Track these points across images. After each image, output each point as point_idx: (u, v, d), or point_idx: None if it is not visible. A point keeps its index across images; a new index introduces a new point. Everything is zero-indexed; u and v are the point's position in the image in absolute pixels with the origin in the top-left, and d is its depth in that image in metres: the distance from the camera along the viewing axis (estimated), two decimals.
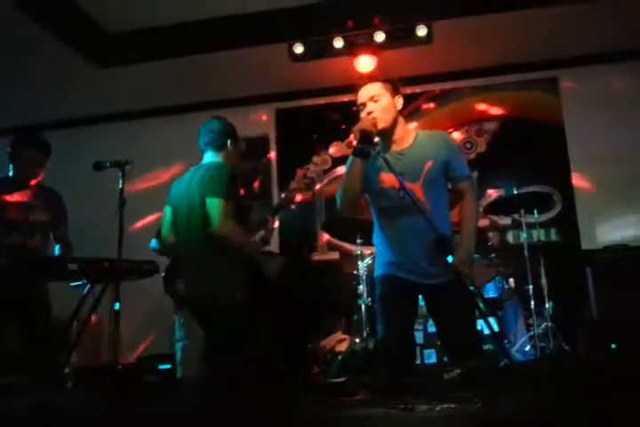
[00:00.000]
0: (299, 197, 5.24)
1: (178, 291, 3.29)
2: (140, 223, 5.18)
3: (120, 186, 2.90)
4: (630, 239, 4.18)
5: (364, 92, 2.39)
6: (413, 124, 5.17)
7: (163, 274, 3.45)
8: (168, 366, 4.08)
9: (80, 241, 3.45)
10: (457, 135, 5.16)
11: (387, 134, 2.38)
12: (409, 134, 2.43)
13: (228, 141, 2.80)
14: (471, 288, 2.18)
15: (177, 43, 4.44)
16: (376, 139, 2.30)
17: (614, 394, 1.62)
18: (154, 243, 3.45)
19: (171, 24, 4.31)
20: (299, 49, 4.42)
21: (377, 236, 2.48)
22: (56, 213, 3.34)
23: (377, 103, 2.34)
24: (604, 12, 4.26)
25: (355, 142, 2.26)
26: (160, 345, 4.45)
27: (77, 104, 5.33)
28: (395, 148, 2.40)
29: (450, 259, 2.12)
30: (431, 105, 5.28)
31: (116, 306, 2.81)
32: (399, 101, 2.40)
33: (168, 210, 2.80)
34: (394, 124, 2.37)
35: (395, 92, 2.40)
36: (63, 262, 3.17)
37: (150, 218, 5.13)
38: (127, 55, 4.53)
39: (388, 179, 2.31)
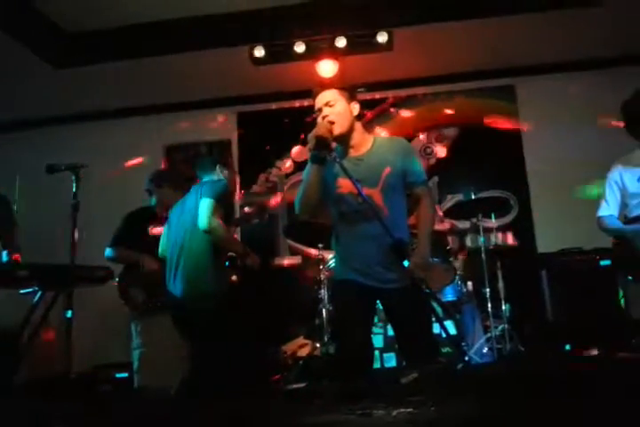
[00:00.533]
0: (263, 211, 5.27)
1: (134, 298, 3.23)
2: (94, 228, 5.03)
3: (74, 189, 2.83)
4: (584, 243, 4.29)
5: (320, 99, 2.40)
6: (381, 131, 5.23)
7: (117, 280, 3.37)
8: (125, 375, 3.98)
9: (31, 246, 3.34)
10: (417, 141, 5.23)
11: (344, 140, 2.39)
12: (366, 140, 2.44)
13: (217, 166, 3.11)
14: (427, 292, 2.20)
15: (136, 44, 4.35)
16: (333, 144, 2.31)
17: (568, 395, 1.65)
18: (108, 251, 3.38)
19: (130, 25, 4.22)
20: (259, 52, 4.40)
21: (336, 241, 2.48)
22: (1, 217, 3.24)
23: (332, 108, 2.36)
24: (560, 23, 4.39)
25: (311, 148, 2.27)
26: (116, 353, 4.33)
27: (31, 105, 5.17)
28: (353, 153, 2.41)
29: (406, 264, 2.14)
30: (392, 111, 5.33)
31: (69, 314, 2.74)
32: (355, 107, 2.42)
33: (165, 230, 3.10)
34: (350, 129, 2.39)
35: (350, 98, 2.42)
36: (11, 269, 3.07)
37: (105, 223, 4.97)
38: (84, 56, 4.41)
39: (346, 184, 2.32)
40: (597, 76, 4.97)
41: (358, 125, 2.43)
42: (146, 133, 5.40)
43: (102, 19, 4.18)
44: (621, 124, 2.86)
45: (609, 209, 2.88)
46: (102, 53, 4.42)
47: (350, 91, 2.45)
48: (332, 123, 2.32)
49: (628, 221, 2.82)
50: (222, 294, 2.85)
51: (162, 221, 3.47)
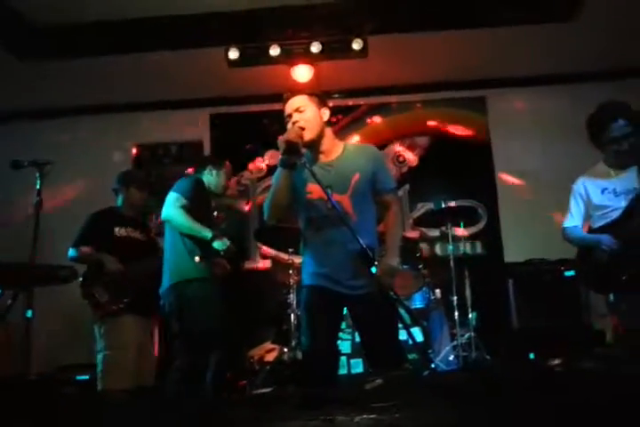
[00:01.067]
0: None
1: (98, 298, 3.16)
2: (58, 227, 4.91)
3: (37, 187, 2.76)
4: (550, 254, 4.38)
5: (290, 104, 2.40)
6: (348, 137, 5.25)
7: (81, 280, 3.30)
8: (86, 377, 3.89)
9: None
10: (390, 149, 5.27)
11: (314, 146, 2.39)
12: (337, 146, 2.45)
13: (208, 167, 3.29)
14: (394, 298, 2.21)
15: (108, 40, 4.28)
16: (303, 150, 2.30)
17: (531, 402, 1.67)
18: (72, 252, 3.31)
19: (102, 21, 4.15)
20: (234, 54, 4.38)
21: (304, 246, 2.48)
22: None
23: (302, 114, 2.36)
24: (533, 38, 4.49)
25: (281, 153, 2.26)
26: (78, 355, 4.23)
27: None
28: (323, 159, 2.41)
29: (374, 270, 2.14)
30: (366, 118, 5.37)
31: (29, 313, 2.67)
32: (325, 113, 2.42)
33: None
34: (320, 135, 2.39)
35: (321, 104, 2.42)
36: None
37: (69, 222, 4.85)
38: (54, 50, 4.32)
39: (315, 190, 2.31)
40: (567, 91, 5.10)
41: (328, 131, 2.44)
42: (115, 131, 5.31)
43: (74, 13, 4.09)
44: (587, 138, 2.93)
45: (573, 220, 2.94)
46: (72, 48, 4.32)
47: (320, 97, 2.45)
48: (302, 129, 2.31)
49: (591, 231, 2.88)
50: (202, 279, 2.98)
51: (128, 221, 3.42)
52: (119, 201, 3.49)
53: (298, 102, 2.39)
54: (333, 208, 2.20)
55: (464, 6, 4.14)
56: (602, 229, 2.81)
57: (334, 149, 2.43)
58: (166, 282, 2.98)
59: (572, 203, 2.95)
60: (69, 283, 3.34)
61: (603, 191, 2.83)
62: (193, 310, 2.90)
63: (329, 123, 2.46)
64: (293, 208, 2.44)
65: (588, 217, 2.92)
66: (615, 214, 2.76)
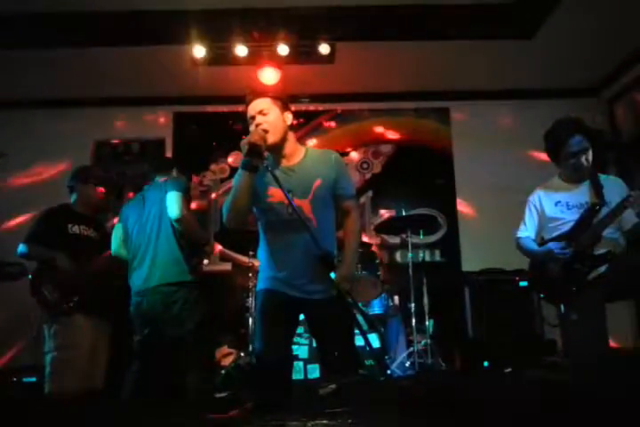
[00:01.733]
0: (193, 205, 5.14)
1: (48, 297, 3.06)
2: (12, 222, 4.76)
3: None
4: (506, 264, 4.47)
5: (253, 106, 2.37)
6: (313, 142, 5.26)
7: (30, 277, 3.19)
8: (33, 380, 3.75)
9: None
10: (354, 155, 5.31)
11: (276, 149, 2.37)
12: (299, 150, 2.43)
13: (174, 169, 3.20)
14: (352, 304, 2.21)
15: (68, 32, 4.15)
16: (265, 153, 2.28)
17: (482, 410, 1.69)
18: (22, 248, 3.19)
19: (64, 11, 4.01)
20: (199, 53, 4.33)
21: (262, 250, 2.46)
22: None
23: (266, 117, 2.33)
24: (494, 53, 4.61)
25: (243, 155, 2.23)
26: (25, 356, 4.09)
27: None
28: (285, 163, 2.39)
29: (332, 276, 2.13)
30: (332, 124, 5.40)
31: None
32: (288, 117, 2.41)
33: (119, 227, 3.09)
34: (283, 139, 2.37)
35: (284, 107, 2.40)
36: None
37: (24, 217, 4.71)
38: (10, 40, 4.16)
39: (276, 194, 2.29)
40: (527, 106, 5.24)
41: (291, 135, 2.42)
42: (74, 127, 5.16)
43: (33, 3, 3.95)
44: (544, 152, 3.02)
45: (526, 231, 3.02)
46: (28, 39, 4.17)
47: (284, 100, 2.43)
48: (265, 131, 2.29)
49: (544, 242, 2.95)
50: (196, 282, 2.92)
51: (82, 219, 3.33)
52: (73, 198, 3.39)
53: (261, 105, 2.36)
54: (294, 213, 2.19)
55: (430, 18, 4.20)
56: (554, 241, 2.88)
57: (296, 154, 2.41)
58: (153, 281, 2.85)
59: (527, 214, 3.03)
60: (18, 280, 3.22)
61: (556, 204, 2.92)
62: (178, 313, 2.80)
63: (293, 127, 2.45)
64: (253, 211, 2.41)
65: (541, 228, 3.00)
66: (566, 227, 2.84)
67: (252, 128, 2.34)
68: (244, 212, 2.32)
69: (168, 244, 2.89)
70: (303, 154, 2.43)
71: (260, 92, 2.44)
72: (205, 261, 3.68)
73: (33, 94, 5.04)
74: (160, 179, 3.13)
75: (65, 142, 5.10)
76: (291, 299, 2.32)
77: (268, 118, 2.33)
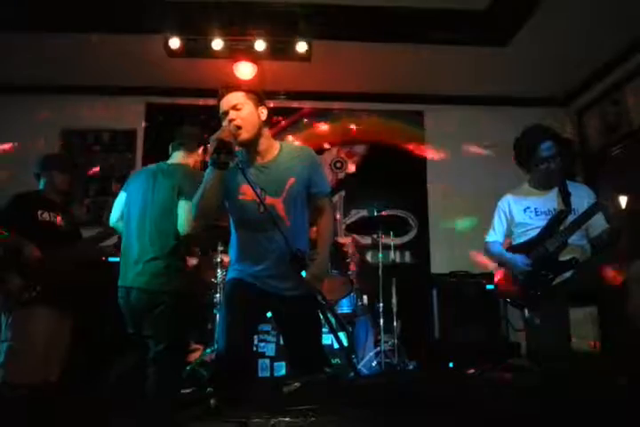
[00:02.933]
0: None
1: (9, 285, 2.97)
2: None
3: None
4: (473, 267, 4.54)
5: (226, 101, 2.31)
6: (288, 139, 5.24)
7: None
8: None
9: None
10: (329, 154, 5.31)
11: (250, 146, 2.32)
12: (273, 147, 2.38)
13: (199, 148, 3.00)
14: (322, 302, 2.21)
15: (38, 16, 4.03)
16: (237, 148, 2.22)
17: (444, 409, 1.71)
18: None
19: None
20: (174, 44, 4.27)
21: (233, 246, 2.43)
22: None
23: (239, 112, 2.27)
24: (469, 58, 4.65)
25: (212, 152, 2.14)
26: None
27: None
28: (259, 160, 2.35)
29: (303, 274, 2.12)
30: (306, 122, 5.39)
31: None
32: (263, 112, 2.34)
33: (123, 196, 2.88)
34: (257, 134, 2.31)
35: (259, 102, 2.34)
36: None
37: None
38: None
39: (249, 191, 2.24)
40: (499, 113, 5.32)
41: (266, 131, 2.37)
42: (43, 114, 5.03)
43: None
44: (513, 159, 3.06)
45: (495, 235, 3.06)
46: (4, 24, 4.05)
47: (259, 94, 2.37)
48: (238, 127, 2.24)
49: (511, 247, 3.00)
50: (185, 291, 2.76)
51: (52, 205, 3.25)
52: (41, 185, 3.31)
53: (235, 99, 2.29)
54: (266, 211, 2.17)
55: (408, 21, 4.23)
56: (521, 246, 2.93)
57: (270, 150, 2.37)
58: (137, 282, 2.68)
59: (496, 219, 3.08)
60: None
61: (525, 210, 2.96)
62: (156, 319, 2.68)
63: (268, 123, 2.40)
64: (224, 207, 2.37)
65: (509, 233, 3.05)
66: (534, 233, 2.89)
67: (224, 123, 2.28)
68: (213, 209, 2.26)
69: (166, 248, 2.69)
70: (277, 150, 2.38)
71: (234, 85, 2.37)
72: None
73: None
74: (180, 159, 2.95)
75: (32, 129, 4.97)
76: (259, 291, 2.30)
77: (242, 113, 2.27)
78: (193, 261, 3.36)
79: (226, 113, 2.30)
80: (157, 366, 2.61)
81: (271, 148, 2.38)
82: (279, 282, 2.30)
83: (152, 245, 2.69)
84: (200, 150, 3.02)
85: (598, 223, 2.78)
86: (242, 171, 2.18)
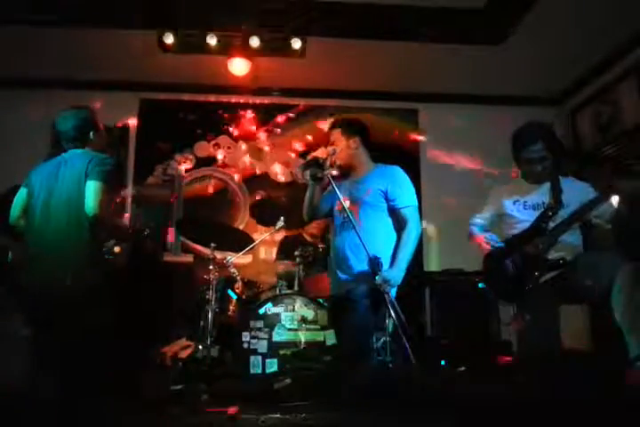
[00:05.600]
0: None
1: None
2: None
3: None
4: (466, 265, 4.54)
5: (331, 137, 2.96)
6: (278, 135, 5.23)
7: None
8: None
9: None
10: (320, 152, 5.29)
11: (346, 167, 2.90)
12: (368, 166, 2.93)
13: (91, 133, 2.76)
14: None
15: (36, 11, 4.00)
16: (327, 164, 2.70)
17: (435, 406, 1.71)
18: None
19: None
20: (169, 39, 4.25)
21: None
22: None
23: (335, 151, 2.82)
24: (464, 57, 4.65)
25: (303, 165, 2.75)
26: None
27: None
28: (352, 177, 2.90)
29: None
30: (299, 118, 5.36)
31: None
32: (353, 143, 2.93)
33: (23, 192, 2.68)
34: (352, 161, 2.91)
35: (350, 135, 2.95)
36: None
37: None
38: None
39: (339, 203, 2.73)
40: (494, 111, 5.32)
41: (359, 152, 2.93)
42: (34, 109, 4.98)
43: None
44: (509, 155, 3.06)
45: (478, 218, 3.13)
46: None
47: (353, 127, 2.99)
48: (333, 155, 2.80)
49: (503, 241, 2.99)
50: (95, 284, 2.56)
51: None
52: None
53: (334, 137, 2.92)
54: (347, 217, 2.56)
55: (402, 19, 4.22)
56: (511, 239, 2.93)
57: (364, 169, 2.90)
58: (69, 276, 2.52)
59: (485, 205, 3.13)
60: None
61: (515, 202, 2.97)
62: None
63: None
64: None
65: (495, 222, 3.07)
66: (522, 226, 2.89)
67: (329, 150, 2.81)
68: (314, 213, 2.96)
69: (72, 237, 2.53)
70: (370, 169, 2.89)
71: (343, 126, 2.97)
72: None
73: None
74: (78, 147, 2.73)
75: (23, 126, 4.93)
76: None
77: (338, 154, 2.83)
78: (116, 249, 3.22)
79: (334, 151, 2.83)
80: None
81: (367, 167, 2.93)
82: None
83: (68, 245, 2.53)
84: (93, 137, 2.77)
85: (608, 207, 2.70)
86: (332, 183, 2.61)
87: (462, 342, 4.18)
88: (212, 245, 3.83)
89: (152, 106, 5.26)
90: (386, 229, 2.77)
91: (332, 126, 2.99)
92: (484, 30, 4.32)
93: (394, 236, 2.77)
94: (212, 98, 5.11)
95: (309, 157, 2.69)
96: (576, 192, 2.83)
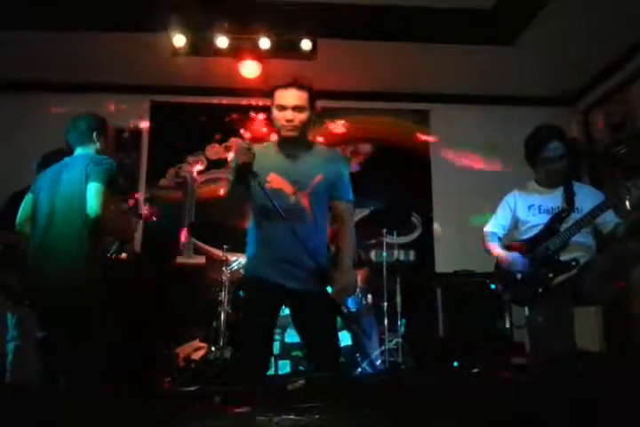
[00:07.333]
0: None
1: (10, 284, 2.98)
2: None
3: None
4: (477, 266, 4.53)
5: (289, 97, 2.32)
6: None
7: None
8: None
9: None
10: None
11: (290, 141, 2.37)
12: (308, 144, 2.45)
13: (94, 135, 2.77)
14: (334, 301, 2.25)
15: (46, 15, 4.06)
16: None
17: (451, 408, 1.71)
18: None
19: None
20: (179, 42, 4.27)
21: (251, 239, 2.45)
22: None
23: (299, 115, 2.31)
24: (476, 57, 4.64)
25: (235, 175, 2.28)
26: None
27: None
28: (291, 150, 2.40)
29: (329, 289, 2.21)
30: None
31: None
32: (313, 117, 2.39)
33: (29, 198, 2.72)
34: (302, 135, 2.38)
35: (314, 105, 2.39)
36: None
37: None
38: None
39: (275, 180, 2.31)
40: (505, 112, 5.31)
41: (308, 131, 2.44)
42: (45, 113, 5.04)
43: None
44: (522, 157, 3.05)
45: (495, 227, 3.06)
46: (3, 20, 4.06)
47: (315, 97, 2.39)
48: (292, 127, 2.30)
49: (513, 244, 2.99)
50: (95, 285, 2.57)
51: None
52: None
53: (299, 99, 2.31)
54: (294, 201, 2.26)
55: (413, 20, 4.23)
56: (524, 243, 2.93)
57: (305, 145, 2.43)
58: (72, 279, 2.57)
59: (499, 211, 3.08)
60: None
61: (529, 207, 2.96)
62: None
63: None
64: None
65: (511, 229, 3.05)
66: (536, 230, 2.89)
67: (276, 114, 2.32)
68: (237, 212, 2.54)
69: (73, 239, 2.55)
70: (311, 148, 2.44)
71: (303, 83, 2.37)
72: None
73: (1, 77, 4.88)
74: (82, 150, 2.77)
75: (35, 128, 4.99)
76: (275, 287, 2.31)
77: (301, 117, 2.31)
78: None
79: (283, 108, 2.31)
80: None
81: (307, 145, 2.44)
82: (292, 267, 2.30)
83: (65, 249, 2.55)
84: (97, 139, 2.81)
85: (608, 219, 2.77)
86: (263, 190, 2.23)
87: (475, 344, 4.17)
88: (225, 246, 3.86)
89: (164, 109, 5.30)
90: (326, 222, 2.49)
91: (298, 87, 2.37)
92: (496, 31, 4.31)
93: None
94: (224, 100, 5.13)
95: (235, 169, 2.27)
96: (588, 197, 2.85)
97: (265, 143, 2.52)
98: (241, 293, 3.95)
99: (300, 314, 2.41)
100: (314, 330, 2.35)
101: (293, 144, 2.38)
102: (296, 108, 2.29)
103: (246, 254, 2.49)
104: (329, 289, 2.21)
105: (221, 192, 5.19)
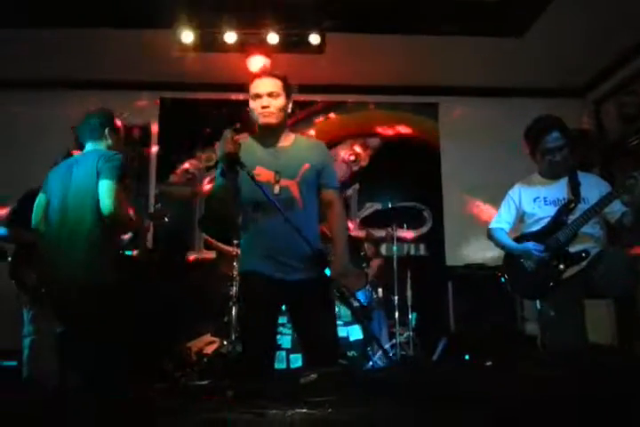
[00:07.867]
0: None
1: (26, 281, 3.02)
2: None
3: None
4: (488, 259, 4.52)
5: (263, 85, 2.39)
6: (301, 132, 5.24)
7: (10, 260, 3.15)
8: (13, 364, 3.73)
9: None
10: (342, 147, 5.31)
11: (271, 131, 2.43)
12: (289, 136, 2.50)
13: (106, 131, 2.77)
14: (342, 295, 2.25)
15: (56, 12, 4.07)
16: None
17: (461, 403, 1.71)
18: (2, 230, 3.15)
19: None
20: (187, 38, 4.27)
21: (246, 233, 2.45)
22: None
23: (274, 100, 2.37)
24: (485, 50, 4.62)
25: (223, 165, 2.30)
26: (4, 340, 4.04)
27: None
28: (274, 144, 2.45)
29: (327, 272, 2.19)
30: (320, 115, 5.38)
31: None
32: (290, 105, 2.47)
33: (42, 198, 2.73)
34: (281, 124, 2.44)
35: (289, 94, 2.45)
36: None
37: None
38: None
39: (263, 173, 2.34)
40: (515, 105, 5.25)
41: (286, 122, 2.49)
42: (55, 109, 5.06)
43: None
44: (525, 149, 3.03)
45: (500, 222, 3.04)
46: (14, 19, 4.08)
47: (291, 87, 2.47)
48: (270, 114, 2.36)
49: (522, 236, 2.97)
50: (112, 282, 2.58)
51: None
52: None
53: (273, 86, 2.39)
54: (281, 192, 2.28)
55: (422, 13, 4.20)
56: (531, 236, 2.91)
57: (287, 138, 2.48)
58: (88, 276, 2.58)
59: (504, 206, 3.06)
60: None
61: (534, 200, 2.94)
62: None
63: (289, 116, 2.51)
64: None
65: (517, 223, 3.03)
66: (543, 222, 2.87)
67: (254, 104, 2.39)
68: (225, 211, 2.50)
69: (89, 236, 2.55)
70: (293, 139, 2.49)
71: (275, 73, 2.46)
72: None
73: (10, 75, 4.89)
74: (93, 146, 2.78)
75: (44, 125, 5.01)
76: (273, 282, 2.31)
77: (277, 103, 2.37)
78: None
79: (259, 96, 2.38)
80: None
81: (288, 136, 2.49)
82: (289, 258, 2.32)
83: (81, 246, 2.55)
84: (108, 135, 2.81)
85: (616, 208, 2.74)
86: (251, 178, 2.23)
87: (486, 337, 4.16)
88: (235, 241, 3.87)
89: (173, 105, 5.32)
90: (317, 210, 2.51)
91: (271, 75, 2.45)
92: (504, 23, 4.28)
93: None
94: (232, 96, 5.13)
95: (223, 158, 2.28)
96: (594, 186, 2.82)
97: (248, 138, 2.50)
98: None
99: (298, 310, 2.41)
100: (312, 325, 2.35)
101: (274, 134, 2.43)
102: (271, 95, 2.37)
103: (241, 249, 2.51)
104: (327, 272, 2.21)
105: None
